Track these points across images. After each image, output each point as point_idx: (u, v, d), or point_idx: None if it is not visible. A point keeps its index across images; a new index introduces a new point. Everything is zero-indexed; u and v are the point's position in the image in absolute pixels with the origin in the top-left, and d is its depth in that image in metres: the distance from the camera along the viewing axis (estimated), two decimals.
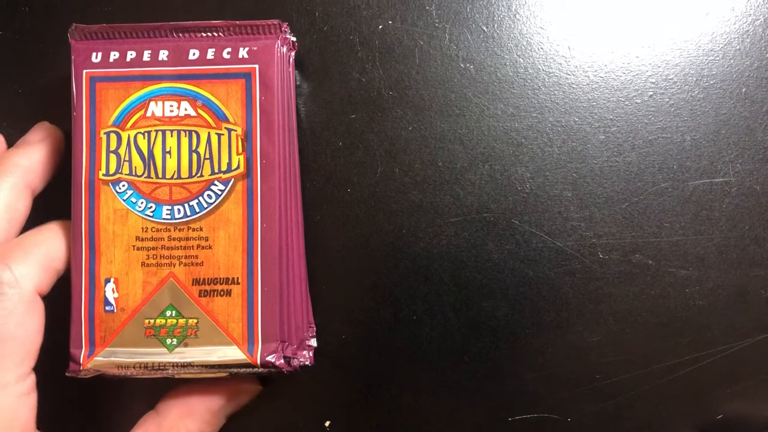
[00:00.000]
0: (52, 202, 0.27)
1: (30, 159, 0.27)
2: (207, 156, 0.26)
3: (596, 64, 0.30)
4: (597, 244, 0.29)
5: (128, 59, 0.26)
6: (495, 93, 0.29)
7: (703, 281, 0.29)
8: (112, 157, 0.26)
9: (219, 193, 0.26)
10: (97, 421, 0.30)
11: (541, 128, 0.29)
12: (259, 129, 0.26)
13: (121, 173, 0.26)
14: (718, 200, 0.29)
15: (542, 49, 0.30)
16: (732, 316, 0.29)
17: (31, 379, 0.25)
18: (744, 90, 0.29)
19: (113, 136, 0.26)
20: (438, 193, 0.29)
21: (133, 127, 0.26)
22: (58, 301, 0.26)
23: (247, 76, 0.26)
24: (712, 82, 0.29)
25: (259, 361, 0.25)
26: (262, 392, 0.29)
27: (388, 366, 0.30)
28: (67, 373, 0.26)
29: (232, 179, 0.26)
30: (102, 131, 0.26)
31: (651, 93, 0.29)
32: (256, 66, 0.26)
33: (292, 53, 0.27)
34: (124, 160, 0.26)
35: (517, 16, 0.30)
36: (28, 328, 0.24)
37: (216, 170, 0.26)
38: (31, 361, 0.25)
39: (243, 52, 0.26)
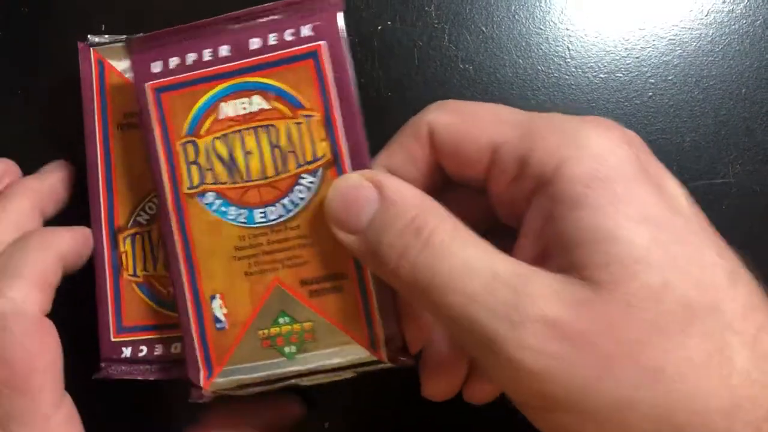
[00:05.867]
0: None
1: (42, 184, 0.27)
2: (290, 149, 0.24)
3: (596, 64, 0.30)
4: None
5: (189, 62, 0.24)
6: (494, 94, 0.29)
7: None
8: (194, 168, 0.24)
9: (309, 185, 0.24)
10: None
11: None
12: (338, 109, 0.24)
13: (206, 183, 0.24)
14: (718, 201, 0.29)
15: (541, 49, 0.30)
16: None
17: (68, 400, 0.24)
18: (744, 91, 0.29)
19: (190, 147, 0.24)
20: None
21: (208, 133, 0.24)
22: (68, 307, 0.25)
23: (314, 54, 0.24)
24: (711, 83, 0.29)
25: (386, 357, 0.24)
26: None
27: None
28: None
29: (320, 168, 0.24)
30: (178, 143, 0.24)
31: (650, 94, 0.29)
32: (323, 42, 0.24)
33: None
34: (206, 169, 0.24)
35: (517, 16, 0.30)
36: (46, 355, 0.23)
37: (302, 162, 0.24)
38: (59, 384, 0.23)
39: (306, 30, 0.24)
